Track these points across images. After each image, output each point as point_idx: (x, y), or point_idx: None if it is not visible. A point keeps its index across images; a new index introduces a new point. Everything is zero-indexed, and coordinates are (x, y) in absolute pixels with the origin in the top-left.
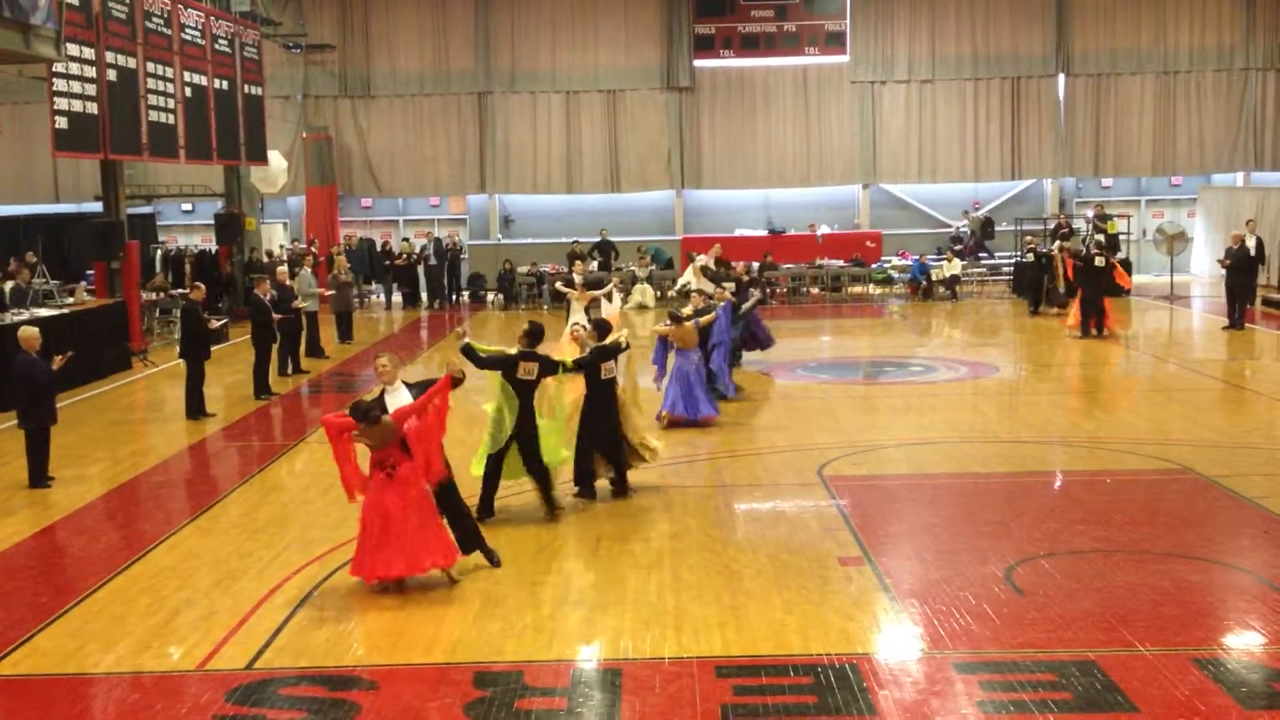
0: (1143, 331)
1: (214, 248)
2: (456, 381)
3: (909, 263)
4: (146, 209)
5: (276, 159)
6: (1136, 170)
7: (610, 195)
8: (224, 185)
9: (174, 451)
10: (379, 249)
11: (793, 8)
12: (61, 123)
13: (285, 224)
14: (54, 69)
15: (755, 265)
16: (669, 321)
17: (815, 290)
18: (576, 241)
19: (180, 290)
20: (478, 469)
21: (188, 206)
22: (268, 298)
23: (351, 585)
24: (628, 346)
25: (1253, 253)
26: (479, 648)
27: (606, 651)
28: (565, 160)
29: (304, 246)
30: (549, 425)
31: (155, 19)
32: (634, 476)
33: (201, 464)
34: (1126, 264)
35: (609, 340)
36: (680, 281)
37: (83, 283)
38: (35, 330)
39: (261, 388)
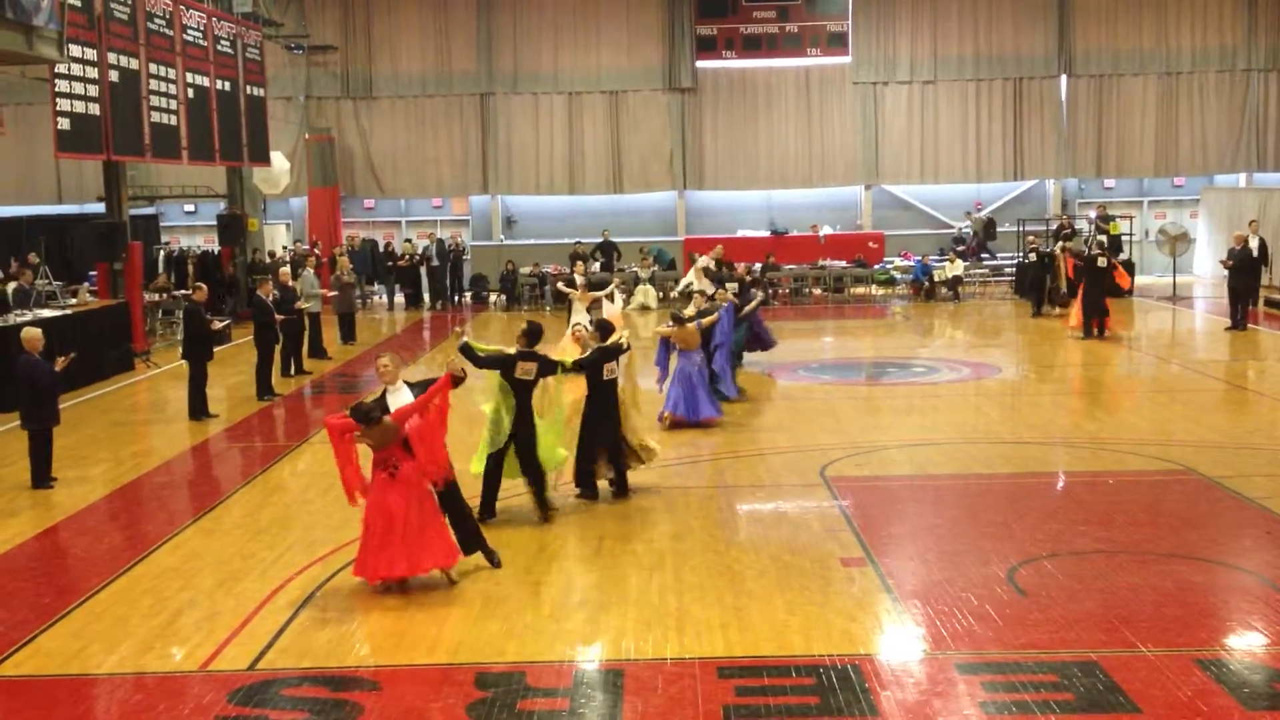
0: (1145, 332)
1: (216, 249)
2: (457, 380)
3: (911, 263)
4: (149, 210)
5: (279, 160)
6: (1139, 171)
7: (612, 196)
8: (226, 186)
9: (176, 452)
10: (381, 250)
11: (794, 9)
12: (64, 124)
13: (288, 225)
14: (56, 70)
15: (757, 266)
16: (671, 323)
17: (818, 291)
18: (579, 242)
19: (183, 291)
20: (477, 467)
21: (190, 207)
22: (270, 299)
23: (354, 586)
24: (629, 348)
25: (1255, 253)
26: (481, 648)
27: (608, 652)
28: (567, 161)
29: (306, 247)
30: (546, 425)
31: (157, 20)
32: (636, 477)
33: (204, 465)
34: (1129, 265)
35: (610, 341)
36: (682, 282)
37: (85, 284)
38: (38, 331)
39: (264, 389)
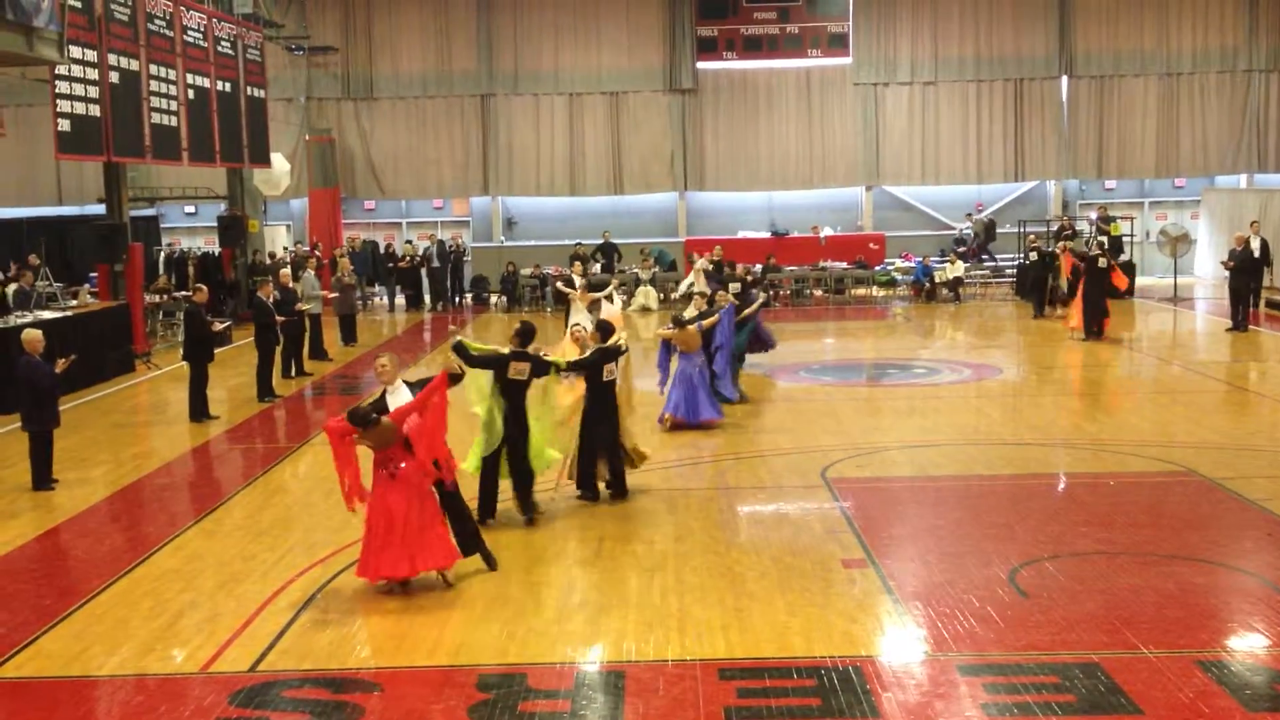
0: (1146, 334)
1: (217, 250)
2: (455, 377)
3: (912, 265)
4: (149, 211)
5: (279, 161)
6: (1140, 172)
7: (613, 197)
8: (227, 187)
9: (177, 454)
10: (382, 251)
11: (795, 10)
12: (64, 125)
13: (288, 226)
14: (56, 71)
15: (758, 267)
16: (672, 325)
17: (818, 292)
18: (579, 243)
19: (183, 293)
20: (469, 465)
21: (191, 209)
22: (271, 300)
23: (355, 588)
24: (627, 349)
25: (1256, 254)
26: (482, 650)
27: (610, 654)
28: (568, 162)
29: (307, 249)
30: (538, 426)
31: (157, 21)
32: (636, 479)
33: (205, 466)
34: (1130, 266)
35: (610, 342)
36: (683, 284)
37: (86, 285)
38: (38, 333)
39: (265, 390)
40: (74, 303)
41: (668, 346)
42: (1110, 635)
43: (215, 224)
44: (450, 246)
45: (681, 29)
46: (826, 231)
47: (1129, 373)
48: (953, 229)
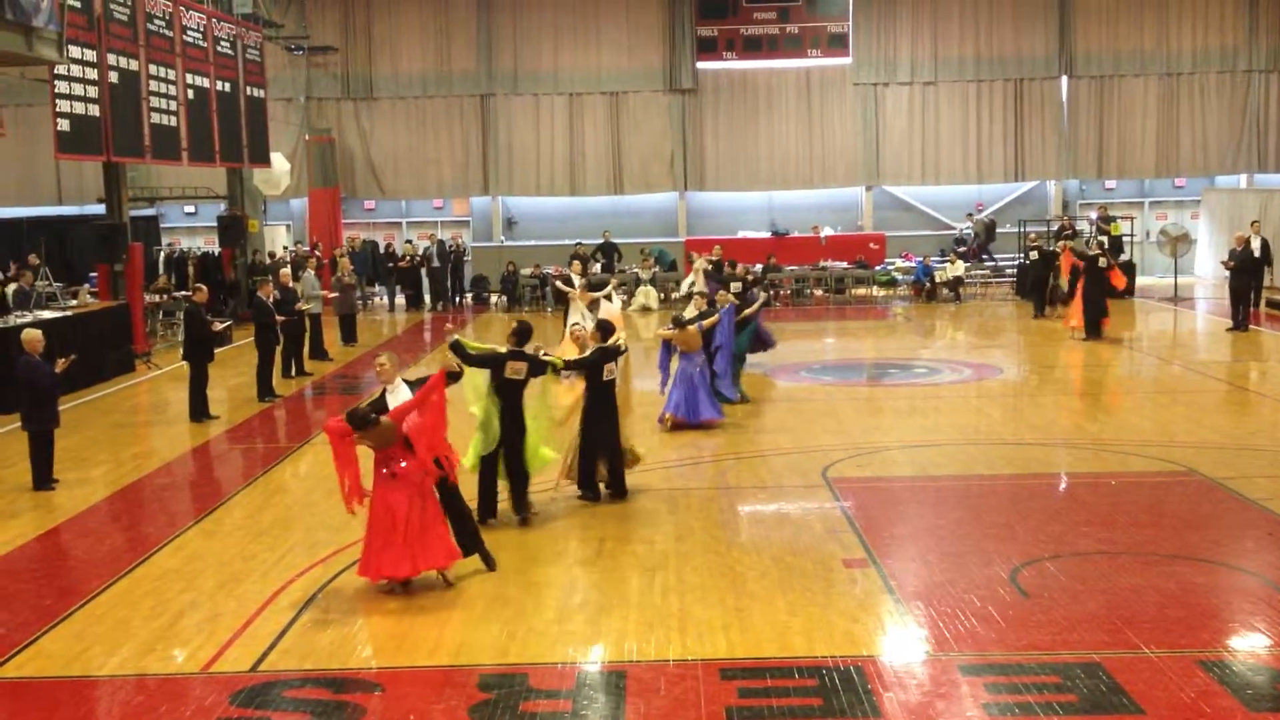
0: (1146, 333)
1: (217, 250)
2: (453, 375)
3: (912, 265)
4: (149, 211)
5: (279, 161)
6: (1140, 172)
7: (613, 197)
8: (227, 187)
9: (177, 454)
10: (382, 251)
11: (795, 10)
12: (64, 125)
13: (288, 226)
14: (56, 71)
15: (758, 267)
16: (672, 325)
17: (819, 292)
18: (580, 243)
19: (183, 293)
20: (469, 461)
21: (190, 209)
22: (271, 300)
23: (356, 588)
24: (626, 349)
25: (1257, 254)
26: (483, 650)
27: (611, 654)
28: (568, 162)
29: (307, 249)
30: (535, 426)
31: (157, 21)
32: (637, 479)
33: (205, 466)
34: (1130, 265)
35: (610, 341)
36: (684, 285)
37: (86, 285)
38: (38, 333)
39: (265, 390)
40: (74, 302)
41: (668, 347)
42: (1112, 635)
43: (215, 224)
44: (450, 246)
45: (681, 29)
46: (827, 231)
47: (1129, 372)
48: (953, 229)
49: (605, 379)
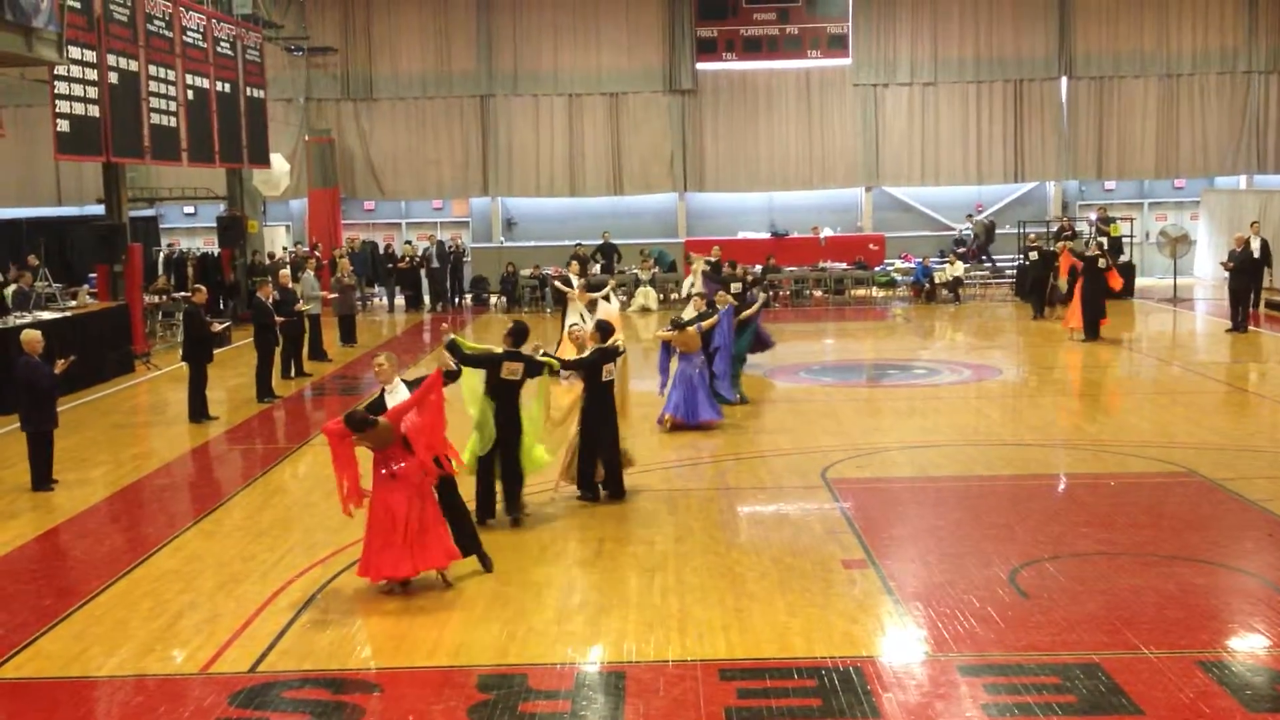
0: (1146, 334)
1: (216, 251)
2: (450, 374)
3: (912, 265)
4: (149, 212)
5: (279, 162)
6: (1139, 173)
7: (613, 198)
8: (226, 188)
9: (177, 455)
10: (382, 252)
11: (795, 10)
12: (63, 126)
13: (288, 227)
14: (56, 72)
15: (757, 268)
16: (670, 327)
17: (818, 293)
18: (579, 244)
19: (182, 293)
20: (466, 459)
21: (190, 209)
22: (270, 301)
23: (355, 588)
24: (624, 350)
25: (1256, 255)
26: (483, 651)
27: (610, 654)
28: (568, 163)
29: (307, 249)
30: (530, 427)
31: (157, 21)
32: (636, 479)
33: (204, 467)
34: (1129, 266)
35: (609, 342)
36: (685, 286)
37: (85, 286)
38: (38, 333)
39: (264, 391)
40: (73, 303)
41: (668, 348)
42: (1111, 636)
43: (214, 224)
44: (450, 247)
45: (681, 30)
46: (826, 232)
47: (1129, 373)
48: (952, 230)
49: (604, 379)
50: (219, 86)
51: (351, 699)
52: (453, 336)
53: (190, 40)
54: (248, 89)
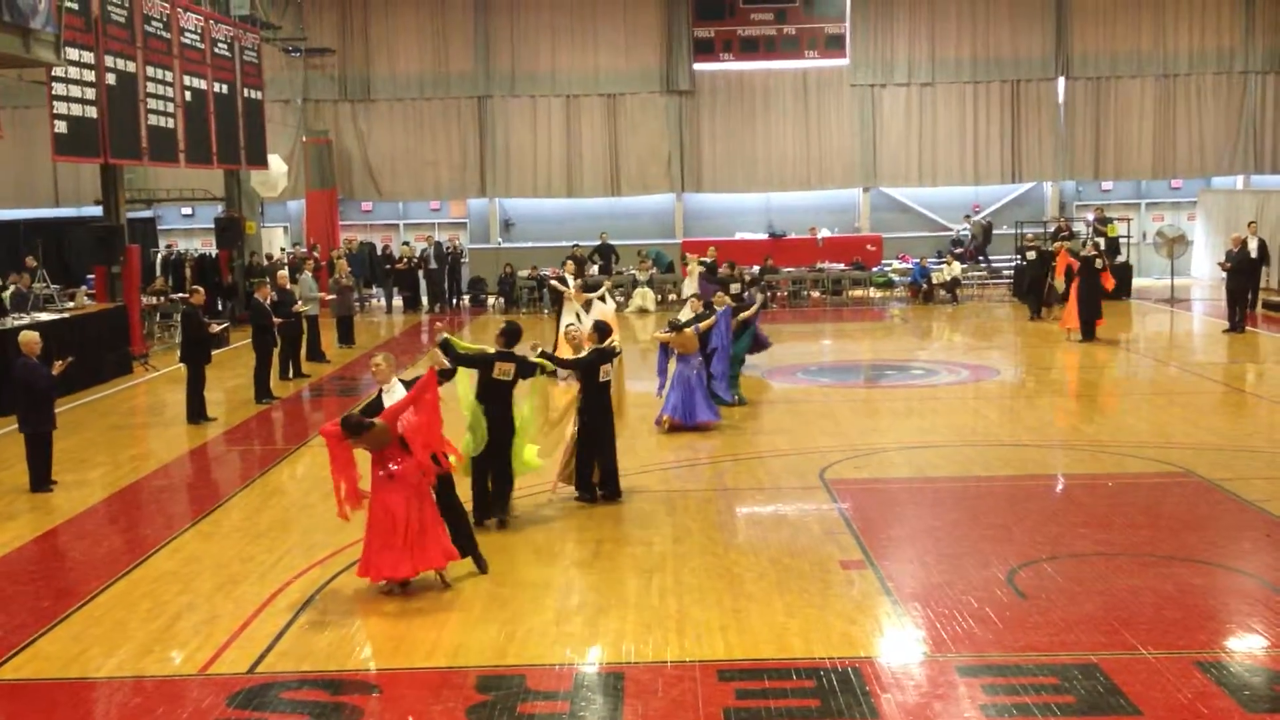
0: (1143, 335)
1: (214, 252)
2: (445, 373)
3: (909, 266)
4: (147, 213)
5: (276, 163)
6: (1136, 173)
7: (610, 199)
8: (224, 189)
9: (175, 456)
10: (379, 253)
11: (792, 11)
12: (61, 127)
13: (285, 228)
14: (53, 73)
15: (755, 268)
16: (668, 329)
17: (816, 294)
18: (577, 245)
19: (180, 294)
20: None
21: (188, 210)
22: (268, 302)
23: (354, 589)
24: (620, 351)
25: (1253, 255)
26: (481, 652)
27: (608, 655)
28: (565, 164)
29: (304, 250)
30: (523, 429)
31: (154, 23)
32: (634, 480)
33: (203, 468)
34: (1126, 267)
35: (607, 343)
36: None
37: (83, 287)
38: (35, 335)
39: (262, 392)
40: (71, 304)
41: (666, 349)
42: (1109, 636)
43: (212, 226)
44: (448, 248)
45: (678, 30)
46: (824, 233)
47: (1126, 374)
48: (949, 230)
49: (601, 380)
50: (217, 87)
51: (350, 700)
52: (446, 335)
53: (188, 41)
54: (245, 90)
